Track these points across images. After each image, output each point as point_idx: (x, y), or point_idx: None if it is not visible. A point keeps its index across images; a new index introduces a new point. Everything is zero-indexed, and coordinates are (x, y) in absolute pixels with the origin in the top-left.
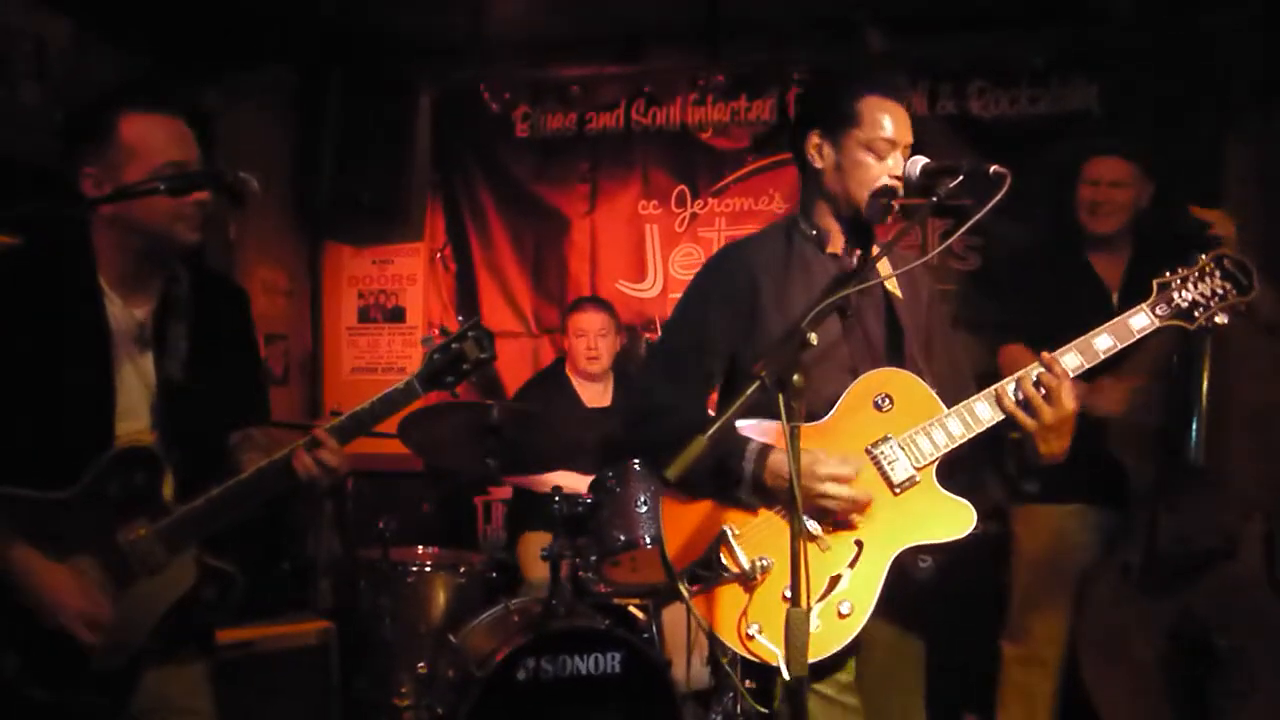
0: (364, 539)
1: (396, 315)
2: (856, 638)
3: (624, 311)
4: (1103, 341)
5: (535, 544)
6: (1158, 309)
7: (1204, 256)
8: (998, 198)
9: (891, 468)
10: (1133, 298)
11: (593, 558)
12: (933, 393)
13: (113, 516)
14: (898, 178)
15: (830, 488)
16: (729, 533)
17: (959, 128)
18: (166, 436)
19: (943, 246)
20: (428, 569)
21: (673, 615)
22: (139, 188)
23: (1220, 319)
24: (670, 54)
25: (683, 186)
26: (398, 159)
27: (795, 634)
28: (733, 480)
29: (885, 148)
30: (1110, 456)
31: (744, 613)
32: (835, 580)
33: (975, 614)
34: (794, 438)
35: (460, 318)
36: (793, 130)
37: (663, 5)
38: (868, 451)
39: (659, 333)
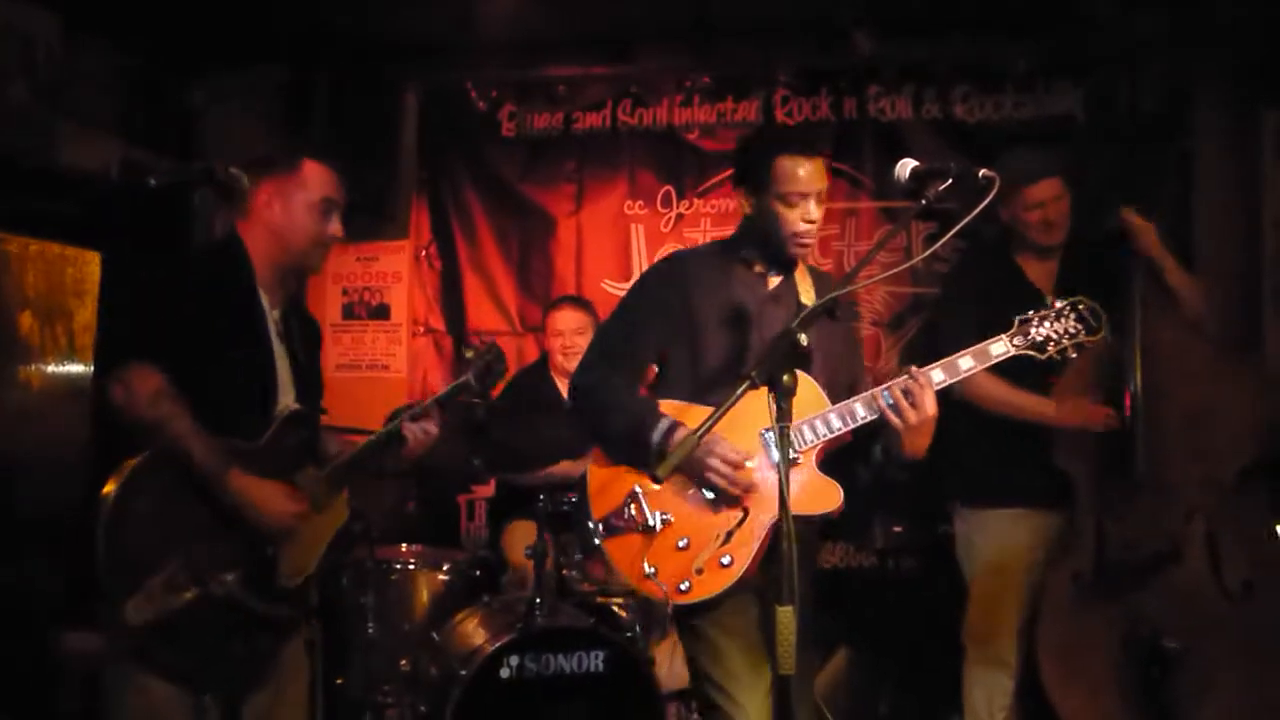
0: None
1: (381, 313)
2: (735, 586)
3: (608, 311)
4: (965, 362)
5: (521, 533)
6: (1015, 339)
7: (1060, 302)
8: (986, 201)
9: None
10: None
11: (577, 555)
12: (822, 392)
13: (291, 462)
14: (810, 222)
15: (717, 464)
16: (639, 491)
17: (943, 132)
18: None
19: (929, 251)
20: (411, 567)
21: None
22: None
23: (1071, 354)
24: (657, 55)
25: (668, 187)
26: (384, 157)
27: (783, 632)
28: (642, 447)
29: (797, 199)
30: (1051, 462)
31: (644, 557)
32: (722, 536)
33: (947, 617)
34: (784, 436)
35: (445, 317)
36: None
37: (650, 6)
38: (760, 435)
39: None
